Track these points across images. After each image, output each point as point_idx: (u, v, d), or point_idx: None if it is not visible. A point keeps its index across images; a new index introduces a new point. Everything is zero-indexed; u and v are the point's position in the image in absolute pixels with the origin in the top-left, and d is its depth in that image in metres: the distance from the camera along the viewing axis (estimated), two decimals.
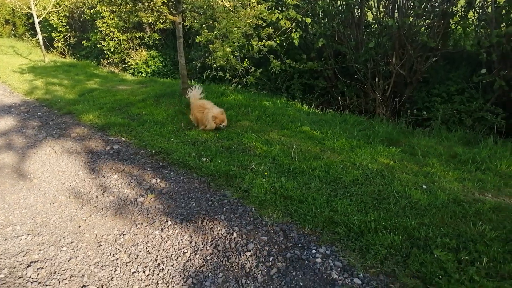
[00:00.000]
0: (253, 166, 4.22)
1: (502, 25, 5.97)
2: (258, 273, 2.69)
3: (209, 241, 3.07)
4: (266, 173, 4.01)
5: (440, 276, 2.49)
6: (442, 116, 6.10)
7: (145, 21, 9.71)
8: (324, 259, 2.79)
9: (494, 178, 3.86)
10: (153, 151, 4.83)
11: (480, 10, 6.60)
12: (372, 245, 2.83)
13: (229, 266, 2.78)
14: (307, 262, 2.78)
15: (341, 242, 2.96)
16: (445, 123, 6.12)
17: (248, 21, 6.19)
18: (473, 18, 6.84)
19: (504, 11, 5.89)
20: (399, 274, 2.58)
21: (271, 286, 2.57)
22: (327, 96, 8.17)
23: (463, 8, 6.71)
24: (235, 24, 5.88)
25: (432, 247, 2.75)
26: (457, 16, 6.80)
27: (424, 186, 3.63)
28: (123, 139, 5.36)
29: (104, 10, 11.27)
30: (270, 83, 8.74)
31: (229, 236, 3.12)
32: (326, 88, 8.10)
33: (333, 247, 2.93)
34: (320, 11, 7.69)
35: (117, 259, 2.90)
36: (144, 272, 2.75)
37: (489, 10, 6.23)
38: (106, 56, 12.75)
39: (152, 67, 11.56)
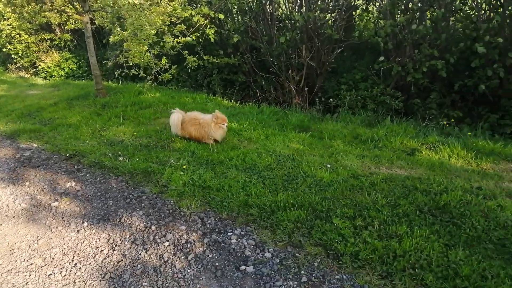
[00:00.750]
0: (172, 161, 4.30)
1: (396, 16, 6.61)
2: (176, 260, 2.81)
3: (128, 237, 3.12)
4: (184, 167, 4.12)
5: (338, 242, 2.80)
6: (349, 102, 6.64)
7: (54, 21, 9.24)
8: (239, 240, 2.99)
9: (388, 153, 4.35)
10: (67, 155, 4.70)
11: (378, 3, 7.27)
12: (281, 221, 3.09)
13: (148, 258, 2.86)
14: (223, 244, 2.96)
15: (255, 222, 3.18)
16: (351, 108, 6.66)
17: (161, 18, 6.21)
18: (372, 10, 7.51)
19: (398, 3, 6.52)
20: (305, 244, 2.86)
21: (189, 270, 2.71)
22: (248, 90, 8.43)
23: (363, 1, 7.33)
24: (147, 21, 5.87)
25: (332, 217, 3.07)
26: (360, 9, 7.42)
27: (328, 165, 3.99)
28: (35, 145, 5.13)
29: (7, 11, 10.47)
30: (190, 79, 8.80)
31: (148, 229, 3.19)
32: (246, 82, 8.36)
33: (247, 228, 3.13)
34: (232, 7, 7.90)
35: (31, 264, 2.85)
36: (60, 273, 2.74)
37: (384, 2, 6.88)
38: (14, 61, 11.87)
39: (66, 70, 11.01)
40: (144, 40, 5.90)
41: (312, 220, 3.08)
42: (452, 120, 5.85)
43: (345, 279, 2.53)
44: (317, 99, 7.17)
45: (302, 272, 2.62)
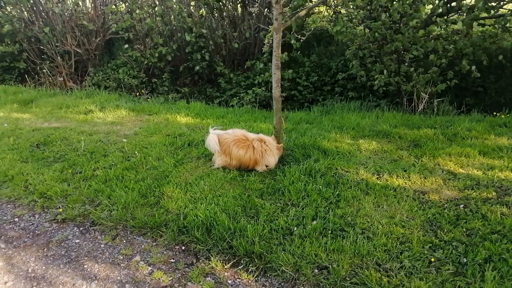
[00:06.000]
0: None
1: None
2: None
3: None
4: None
5: None
6: (105, 83, 7.94)
7: None
8: None
9: (70, 114, 5.66)
10: None
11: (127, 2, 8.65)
12: None
13: None
14: None
15: None
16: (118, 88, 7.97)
17: None
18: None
19: (137, 1, 7.94)
20: None
21: None
22: (34, 75, 9.24)
23: None
24: None
25: None
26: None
27: (6, 124, 5.14)
28: None
29: None
30: None
31: None
32: (26, 69, 9.14)
33: None
34: None
35: None
36: None
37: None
38: None
39: None
40: None
41: None
42: (176, 93, 7.57)
43: None
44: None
45: None
